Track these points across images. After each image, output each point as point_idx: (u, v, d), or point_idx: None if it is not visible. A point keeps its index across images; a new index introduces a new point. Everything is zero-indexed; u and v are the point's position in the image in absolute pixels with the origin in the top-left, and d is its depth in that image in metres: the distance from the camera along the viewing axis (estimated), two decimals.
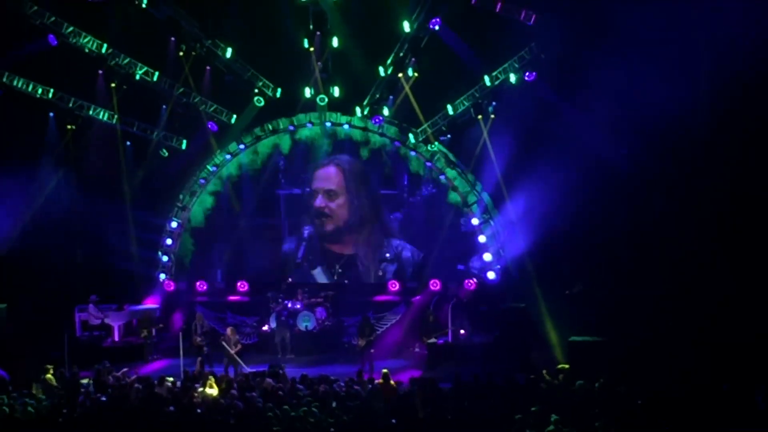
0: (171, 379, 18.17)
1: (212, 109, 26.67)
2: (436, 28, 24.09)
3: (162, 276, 27.53)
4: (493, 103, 25.16)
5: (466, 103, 25.11)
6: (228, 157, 27.36)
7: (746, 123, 20.52)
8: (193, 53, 25.69)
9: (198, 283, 27.39)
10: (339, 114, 26.64)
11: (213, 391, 17.09)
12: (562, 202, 22.85)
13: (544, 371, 17.26)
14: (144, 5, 24.29)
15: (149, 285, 27.24)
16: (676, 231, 21.34)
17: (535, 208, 24.16)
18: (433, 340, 23.00)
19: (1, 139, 24.55)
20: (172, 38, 25.53)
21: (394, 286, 26.58)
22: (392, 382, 17.33)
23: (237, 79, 26.38)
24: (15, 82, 24.29)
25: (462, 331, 24.09)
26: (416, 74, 25.29)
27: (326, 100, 26.09)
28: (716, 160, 20.82)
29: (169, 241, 27.58)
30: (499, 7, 23.06)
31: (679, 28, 20.27)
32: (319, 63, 25.75)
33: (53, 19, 23.86)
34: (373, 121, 26.19)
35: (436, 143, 25.94)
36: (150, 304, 26.41)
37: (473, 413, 14.83)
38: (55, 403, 16.07)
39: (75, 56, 24.68)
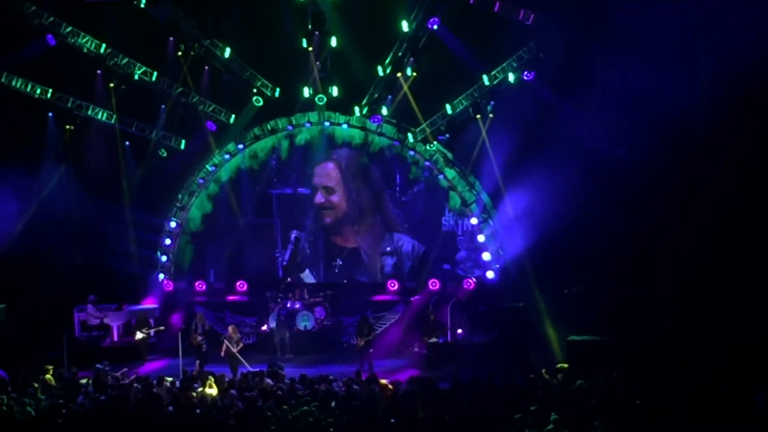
0: (170, 379, 18.16)
1: (211, 109, 26.67)
2: (435, 27, 24.07)
3: (161, 276, 27.53)
4: (492, 103, 25.17)
5: (465, 103, 25.11)
6: (227, 156, 27.38)
7: (746, 123, 20.51)
8: (192, 53, 25.65)
9: (197, 283, 27.42)
10: (338, 114, 26.66)
11: (212, 390, 17.09)
12: (561, 202, 22.86)
13: (543, 370, 17.27)
14: (143, 5, 24.26)
15: (148, 285, 27.22)
16: (676, 231, 21.34)
17: (533, 207, 24.18)
18: (434, 339, 22.97)
19: (0, 139, 24.53)
20: (171, 38, 25.50)
21: (393, 285, 26.60)
22: (383, 381, 17.30)
23: (235, 78, 26.38)
24: (14, 83, 24.25)
25: (459, 331, 24.10)
26: (415, 74, 25.27)
27: (325, 99, 26.10)
28: (716, 159, 20.82)
29: (168, 241, 27.60)
30: (497, 6, 23.05)
31: (679, 26, 20.27)
32: (317, 63, 25.73)
33: (51, 19, 23.83)
34: (372, 121, 26.20)
35: (435, 143, 25.94)
36: (149, 304, 26.39)
37: (472, 413, 14.82)
38: (54, 403, 16.05)
39: (73, 56, 24.64)
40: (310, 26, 25.15)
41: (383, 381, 17.27)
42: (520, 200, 24.78)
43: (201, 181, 27.46)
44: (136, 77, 25.40)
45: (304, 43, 25.33)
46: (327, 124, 26.82)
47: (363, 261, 27.65)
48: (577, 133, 22.98)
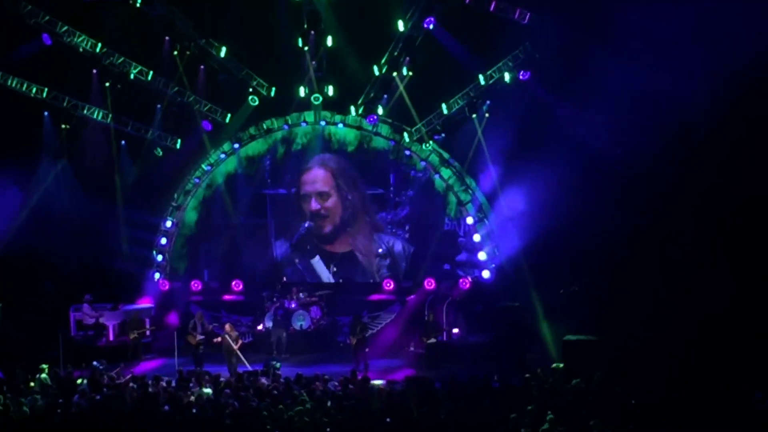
0: (166, 378, 18.14)
1: (206, 108, 26.64)
2: (431, 27, 24.07)
3: (157, 275, 27.51)
4: (488, 102, 25.19)
5: (461, 102, 25.11)
6: (222, 156, 27.39)
7: (746, 122, 20.49)
8: (188, 52, 25.63)
9: (193, 283, 27.43)
10: (334, 113, 26.68)
11: (208, 390, 17.06)
12: (558, 201, 22.89)
13: (539, 369, 17.25)
14: (138, 4, 24.22)
15: (144, 284, 27.19)
16: (673, 230, 21.33)
17: (530, 206, 24.20)
18: (432, 340, 22.90)
19: None
20: (167, 37, 25.50)
21: (389, 285, 26.60)
22: (377, 382, 17.31)
23: (231, 78, 26.33)
24: (9, 82, 24.22)
25: (455, 330, 24.10)
26: (410, 73, 25.28)
27: (321, 99, 26.09)
28: (715, 158, 20.80)
29: (163, 241, 27.62)
30: (493, 6, 23.06)
31: (676, 25, 20.24)
32: (313, 62, 25.73)
33: (47, 18, 23.80)
34: (368, 121, 26.20)
35: (431, 142, 25.95)
36: (145, 303, 26.36)
37: (468, 413, 14.83)
38: (49, 402, 16.04)
39: (69, 55, 24.61)
40: (305, 26, 25.15)
41: (377, 382, 17.28)
42: (516, 199, 24.79)
43: (197, 180, 27.47)
44: (132, 76, 25.34)
45: (300, 43, 25.34)
46: (323, 123, 26.83)
47: (359, 263, 27.59)
48: (574, 133, 22.97)
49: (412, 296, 25.92)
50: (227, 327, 22.05)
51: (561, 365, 19.29)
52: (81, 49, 24.49)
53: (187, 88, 26.15)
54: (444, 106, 25.23)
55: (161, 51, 25.76)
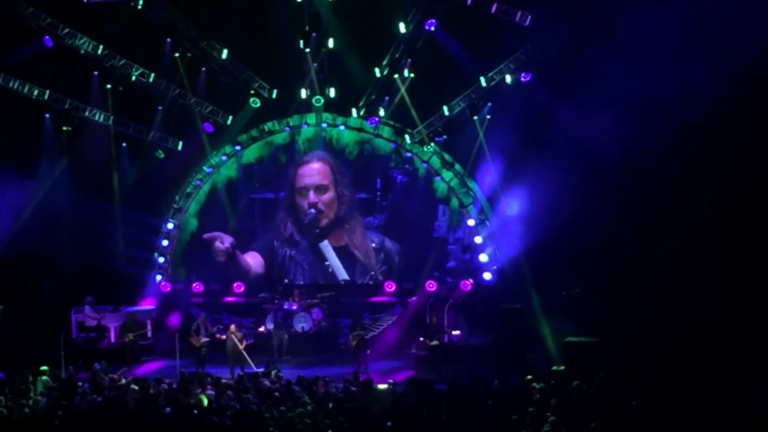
0: (168, 380, 18.13)
1: (208, 110, 26.65)
2: (432, 29, 24.08)
3: (158, 277, 27.52)
4: (489, 104, 25.20)
5: (462, 104, 25.12)
6: (224, 158, 27.41)
7: (746, 121, 20.46)
8: (189, 54, 25.67)
9: (194, 285, 27.41)
10: (335, 115, 26.70)
11: (209, 393, 17.02)
12: (559, 202, 22.88)
13: (534, 384, 17.02)
14: (140, 7, 24.24)
15: (146, 286, 27.20)
16: (673, 230, 21.31)
17: (531, 207, 24.20)
18: (435, 342, 22.83)
19: None
20: (168, 39, 25.52)
21: (391, 287, 26.60)
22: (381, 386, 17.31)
23: (233, 80, 26.32)
24: (11, 84, 24.25)
25: (456, 332, 24.08)
26: (412, 75, 25.29)
27: (322, 101, 26.08)
28: (715, 158, 20.78)
29: (165, 242, 27.61)
30: (494, 7, 23.06)
31: (677, 26, 20.22)
32: (314, 64, 25.74)
33: (48, 20, 23.82)
34: (369, 122, 26.21)
35: (432, 144, 25.95)
36: (146, 305, 26.37)
37: (469, 414, 14.83)
38: (51, 404, 16.06)
39: (71, 58, 24.64)
40: (307, 27, 25.15)
41: (383, 386, 17.27)
42: (517, 201, 24.78)
43: (198, 182, 27.48)
44: (134, 78, 25.36)
45: (302, 44, 25.35)
46: (324, 125, 26.85)
47: (356, 258, 27.56)
48: (574, 134, 22.98)
49: (413, 298, 25.92)
50: (232, 327, 22.07)
51: (562, 368, 19.30)
52: (82, 51, 24.51)
53: (188, 90, 26.15)
54: (445, 108, 25.23)
55: (163, 53, 25.78)
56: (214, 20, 25.90)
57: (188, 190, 27.57)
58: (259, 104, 26.51)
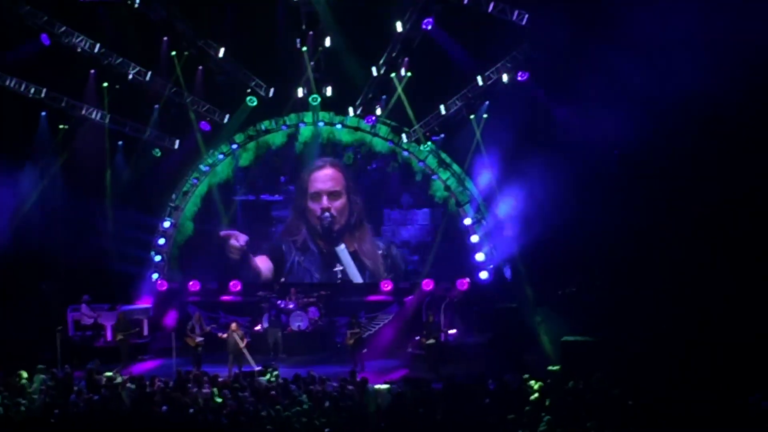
0: (164, 379, 18.13)
1: (205, 109, 26.64)
2: (429, 28, 24.07)
3: (155, 276, 27.50)
4: (486, 103, 25.21)
5: (459, 103, 25.13)
6: (221, 157, 27.40)
7: (745, 121, 20.45)
8: (186, 53, 25.67)
9: (190, 283, 27.38)
10: (332, 113, 26.70)
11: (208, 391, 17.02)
12: (556, 201, 22.88)
13: (531, 383, 17.01)
14: (136, 5, 24.22)
15: (142, 285, 27.18)
16: (673, 230, 21.31)
17: (528, 206, 24.19)
18: (432, 341, 22.84)
19: None
20: (165, 38, 25.50)
21: (387, 286, 26.59)
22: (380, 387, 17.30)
23: (229, 79, 26.32)
24: (7, 82, 24.23)
25: (452, 331, 24.09)
26: (409, 74, 25.30)
27: (319, 99, 26.09)
28: (713, 157, 20.77)
29: (161, 241, 27.60)
30: (491, 7, 23.06)
31: (676, 25, 20.20)
32: (311, 63, 25.74)
33: (46, 18, 23.80)
34: (366, 121, 26.21)
35: (429, 143, 25.96)
36: (143, 304, 26.36)
37: (466, 413, 14.84)
38: (47, 402, 16.04)
39: (68, 56, 24.61)
40: (304, 26, 25.16)
41: (382, 386, 17.26)
42: (514, 200, 24.78)
43: (195, 181, 27.47)
44: (130, 77, 25.33)
45: (298, 43, 25.34)
46: (321, 124, 26.86)
47: (365, 265, 27.58)
48: (572, 133, 22.96)
49: (409, 297, 25.93)
50: (233, 326, 22.05)
51: (557, 367, 19.30)
52: (79, 50, 24.48)
53: (185, 88, 26.14)
54: (442, 107, 25.24)
55: (159, 52, 25.77)
56: (211, 19, 25.88)
57: (185, 188, 27.55)
58: (255, 103, 26.51)
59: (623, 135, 21.98)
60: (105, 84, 25.73)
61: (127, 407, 15.80)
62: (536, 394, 15.65)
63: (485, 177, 25.69)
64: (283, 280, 27.02)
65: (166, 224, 27.58)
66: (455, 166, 26.41)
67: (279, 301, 25.29)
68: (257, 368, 20.15)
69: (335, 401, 15.54)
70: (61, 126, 26.09)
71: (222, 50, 25.58)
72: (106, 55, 24.86)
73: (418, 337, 23.33)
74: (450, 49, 24.49)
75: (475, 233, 26.07)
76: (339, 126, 26.84)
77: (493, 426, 14.02)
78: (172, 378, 18.39)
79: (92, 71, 25.58)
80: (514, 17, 22.95)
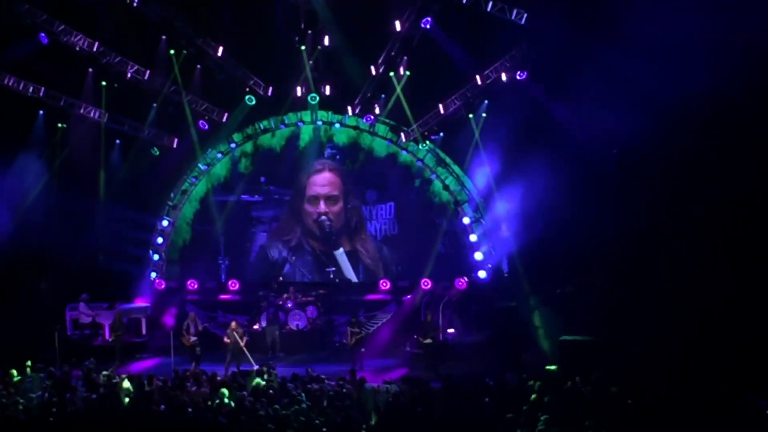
0: (162, 377, 18.11)
1: (203, 107, 26.62)
2: (428, 27, 24.06)
3: (153, 274, 27.49)
4: (485, 102, 25.20)
5: (458, 102, 25.12)
6: (219, 155, 27.38)
7: (745, 120, 20.42)
8: (185, 52, 25.64)
9: (189, 282, 27.37)
10: (330, 112, 26.69)
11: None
12: (555, 200, 22.85)
13: (530, 382, 17.02)
14: (135, 4, 24.19)
15: (140, 283, 27.17)
16: (672, 230, 21.30)
17: (527, 205, 24.18)
18: (429, 340, 22.85)
19: None
20: (163, 37, 25.48)
21: (386, 285, 26.59)
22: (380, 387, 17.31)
23: (228, 77, 26.29)
24: (6, 81, 24.20)
25: (451, 330, 24.09)
26: (408, 73, 25.29)
27: (318, 98, 26.07)
28: (713, 156, 20.74)
29: (159, 240, 27.59)
30: (490, 6, 23.05)
31: (673, 23, 20.17)
32: (310, 62, 25.73)
33: (44, 17, 23.78)
34: (364, 120, 26.21)
35: (428, 142, 25.95)
36: (141, 302, 26.35)
37: (464, 413, 14.83)
38: (45, 401, 16.03)
39: (66, 55, 24.58)
40: (303, 25, 25.14)
41: (384, 385, 17.26)
42: (512, 199, 24.78)
43: (193, 179, 27.47)
44: (129, 76, 25.31)
45: (297, 42, 25.33)
46: (320, 123, 26.84)
47: (365, 264, 27.71)
48: (571, 132, 22.96)
49: (408, 296, 25.93)
50: (233, 324, 22.05)
51: (554, 367, 19.30)
52: (78, 48, 24.46)
53: (181, 87, 26.10)
54: (441, 106, 25.23)
55: (157, 50, 25.74)
56: (210, 18, 25.84)
57: (183, 187, 27.54)
58: (254, 102, 26.49)
59: (622, 134, 21.97)
60: (103, 83, 25.67)
61: (124, 406, 15.78)
62: (535, 394, 15.65)
63: (483, 176, 25.68)
64: (281, 278, 27.00)
65: (165, 223, 27.57)
66: (454, 166, 26.38)
67: (277, 301, 25.28)
68: (256, 367, 20.14)
69: (333, 400, 15.53)
70: (59, 125, 26.03)
71: (221, 49, 25.55)
72: (104, 53, 24.83)
73: (416, 336, 23.32)
74: (449, 49, 24.46)
75: (473, 232, 26.06)
76: (337, 125, 26.82)
77: (492, 425, 14.00)
78: (170, 377, 18.36)
79: (90, 70, 25.53)
80: (513, 16, 22.93)
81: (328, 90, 25.98)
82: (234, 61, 25.99)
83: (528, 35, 23.46)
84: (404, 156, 26.73)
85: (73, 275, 26.06)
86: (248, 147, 27.58)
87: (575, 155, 22.73)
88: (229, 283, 27.35)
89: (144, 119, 26.77)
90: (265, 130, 27.24)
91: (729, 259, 20.16)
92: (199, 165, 27.42)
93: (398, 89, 25.48)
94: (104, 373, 18.63)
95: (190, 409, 15.13)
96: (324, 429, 14.11)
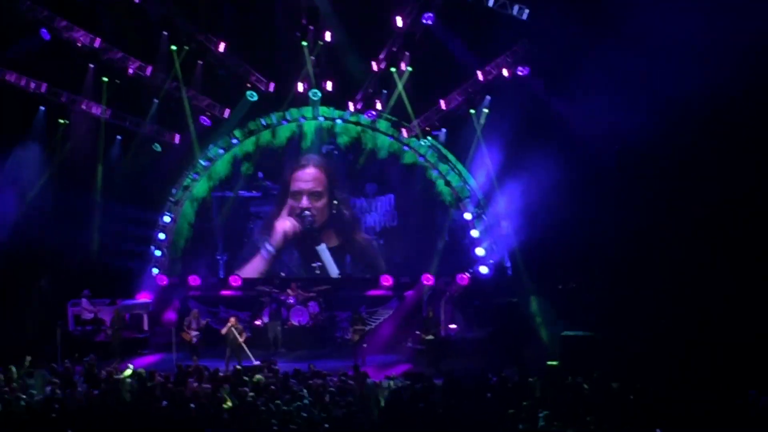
0: (164, 373, 18.11)
1: (205, 103, 26.61)
2: (429, 22, 24.05)
3: (155, 270, 27.49)
4: (487, 98, 25.19)
5: (459, 98, 25.10)
6: (221, 151, 27.36)
7: (746, 119, 20.42)
8: (186, 48, 25.63)
9: (191, 278, 27.36)
10: (332, 108, 26.68)
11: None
12: (557, 196, 22.84)
13: (531, 378, 17.03)
14: (136, 0, 24.18)
15: (142, 279, 27.17)
16: (673, 229, 21.30)
17: (529, 201, 24.17)
18: (431, 336, 22.84)
19: None
20: (165, 32, 25.46)
21: (387, 280, 26.58)
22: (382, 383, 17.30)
23: (229, 73, 26.28)
24: (7, 77, 24.21)
25: (453, 326, 24.08)
26: (409, 69, 25.27)
27: (319, 94, 26.05)
28: (714, 155, 20.76)
29: (161, 236, 27.57)
30: (492, 1, 23.04)
31: (676, 19, 20.16)
32: (312, 57, 25.71)
33: (46, 13, 23.77)
34: (366, 116, 26.19)
35: (429, 138, 25.94)
36: (143, 298, 26.36)
37: (466, 408, 14.83)
38: (47, 397, 16.04)
39: (67, 51, 24.57)
40: (304, 21, 25.13)
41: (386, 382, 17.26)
42: (514, 195, 24.76)
43: (195, 176, 27.46)
44: (130, 72, 25.29)
45: (299, 38, 25.33)
46: (321, 119, 26.83)
47: (354, 257, 27.76)
48: (572, 128, 22.98)
49: (410, 292, 25.91)
50: (232, 320, 22.05)
51: (556, 363, 19.31)
52: (79, 44, 24.45)
53: (182, 83, 26.08)
54: (442, 102, 25.22)
55: (159, 46, 25.72)
56: (211, 13, 25.83)
57: (185, 183, 27.54)
58: (256, 98, 26.47)
59: (623, 131, 21.99)
60: (105, 79, 25.67)
61: (127, 402, 15.79)
62: (537, 391, 15.67)
63: (485, 171, 25.67)
64: (282, 274, 26.99)
65: (167, 219, 27.54)
66: (456, 162, 26.37)
67: (279, 296, 25.28)
68: (256, 363, 20.17)
69: (335, 396, 15.53)
70: (61, 120, 26.04)
71: (222, 45, 25.54)
72: (106, 49, 24.82)
73: (418, 332, 23.32)
74: (450, 44, 24.47)
75: (474, 228, 26.05)
76: (339, 121, 26.80)
77: (494, 421, 14.01)
78: (173, 372, 18.37)
79: (92, 66, 25.52)
80: (515, 12, 22.95)
81: (329, 86, 25.95)
82: (235, 57, 25.99)
83: (529, 31, 23.49)
84: (406, 152, 26.68)
85: (74, 272, 26.06)
86: (250, 147, 27.46)
87: (576, 151, 22.74)
88: (231, 278, 27.34)
89: (145, 115, 26.74)
90: (267, 126, 27.20)
91: (729, 259, 20.16)
92: (201, 161, 27.38)
93: (400, 85, 25.48)
94: (105, 369, 18.65)
95: (192, 405, 15.15)
96: (326, 425, 14.12)
